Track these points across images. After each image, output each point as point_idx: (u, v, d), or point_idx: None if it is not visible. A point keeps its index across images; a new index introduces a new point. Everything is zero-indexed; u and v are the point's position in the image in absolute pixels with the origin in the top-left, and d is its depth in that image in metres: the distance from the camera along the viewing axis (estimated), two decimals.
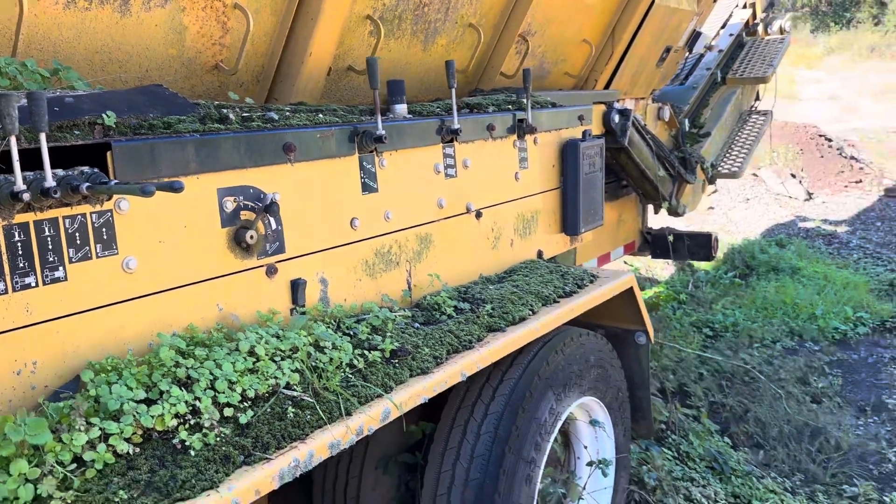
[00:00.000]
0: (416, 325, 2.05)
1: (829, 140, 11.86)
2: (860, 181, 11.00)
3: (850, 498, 3.92)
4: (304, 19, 2.29)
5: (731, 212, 9.94)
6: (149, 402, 1.38)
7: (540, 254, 2.95)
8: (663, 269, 7.77)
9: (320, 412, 1.57)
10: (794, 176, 10.81)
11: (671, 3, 4.18)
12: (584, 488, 2.70)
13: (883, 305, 6.58)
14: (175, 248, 1.58)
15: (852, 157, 11.62)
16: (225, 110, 1.79)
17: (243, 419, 1.46)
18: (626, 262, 7.79)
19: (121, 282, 1.49)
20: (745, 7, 6.36)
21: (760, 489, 3.81)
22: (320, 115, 1.96)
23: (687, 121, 5.27)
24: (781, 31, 6.52)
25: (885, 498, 3.90)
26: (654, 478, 3.17)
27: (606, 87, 4.21)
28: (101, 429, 1.28)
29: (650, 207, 5.23)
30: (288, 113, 1.93)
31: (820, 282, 6.94)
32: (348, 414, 1.61)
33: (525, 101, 2.72)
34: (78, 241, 1.41)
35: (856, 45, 26.04)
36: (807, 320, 6.18)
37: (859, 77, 22.96)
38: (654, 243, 5.17)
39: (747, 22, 6.27)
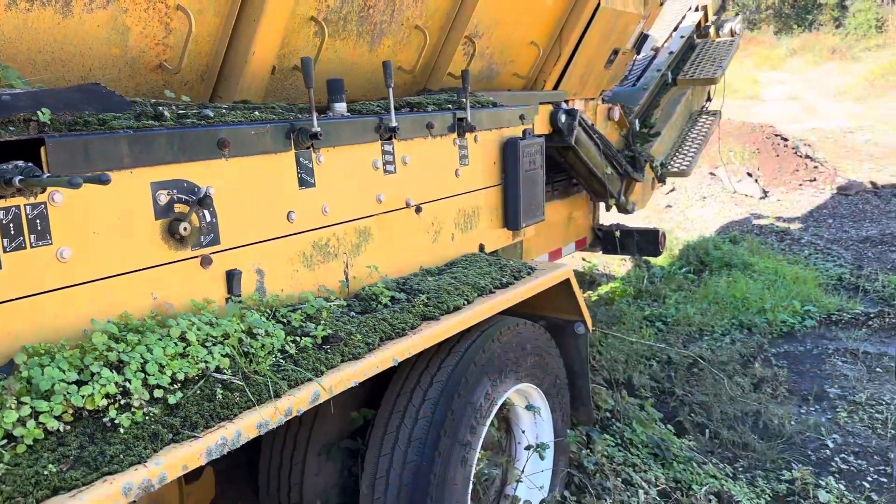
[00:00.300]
0: (352, 313, 2.15)
1: (785, 139, 12.19)
2: (814, 179, 11.33)
3: (787, 482, 4.09)
4: (247, 20, 2.37)
5: (688, 210, 10.19)
6: (80, 384, 1.46)
7: (482, 247, 3.06)
8: (621, 265, 7.96)
9: (249, 394, 1.66)
10: (750, 175, 11.10)
11: (617, 6, 4.32)
12: (522, 471, 2.82)
13: (830, 299, 6.81)
14: (109, 238, 1.66)
15: (807, 156, 11.96)
16: (161, 108, 1.87)
17: (172, 400, 1.55)
18: (584, 259, 7.96)
19: (55, 271, 1.57)
20: (696, 10, 6.54)
21: (701, 474, 3.96)
22: (256, 113, 2.05)
23: (637, 121, 5.43)
24: (732, 33, 6.72)
25: (820, 482, 4.08)
26: (593, 462, 3.30)
27: (555, 87, 4.33)
28: (31, 407, 1.36)
29: (602, 205, 5.38)
30: (224, 110, 2.01)
31: (771, 277, 7.16)
32: (277, 396, 1.70)
33: (465, 100, 2.83)
34: (12, 232, 1.49)
35: (817, 46, 26.67)
36: (756, 314, 6.38)
37: (820, 78, 23.56)
38: (605, 239, 5.33)
39: (699, 24, 6.45)
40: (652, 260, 7.75)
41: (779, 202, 10.72)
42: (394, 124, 2.41)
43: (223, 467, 2.76)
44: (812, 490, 3.98)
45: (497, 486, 2.90)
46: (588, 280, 7.60)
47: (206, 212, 1.85)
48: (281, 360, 1.80)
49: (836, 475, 4.18)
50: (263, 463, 2.65)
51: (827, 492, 3.98)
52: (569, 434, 3.04)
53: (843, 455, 4.40)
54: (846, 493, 3.96)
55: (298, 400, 1.73)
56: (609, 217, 5.75)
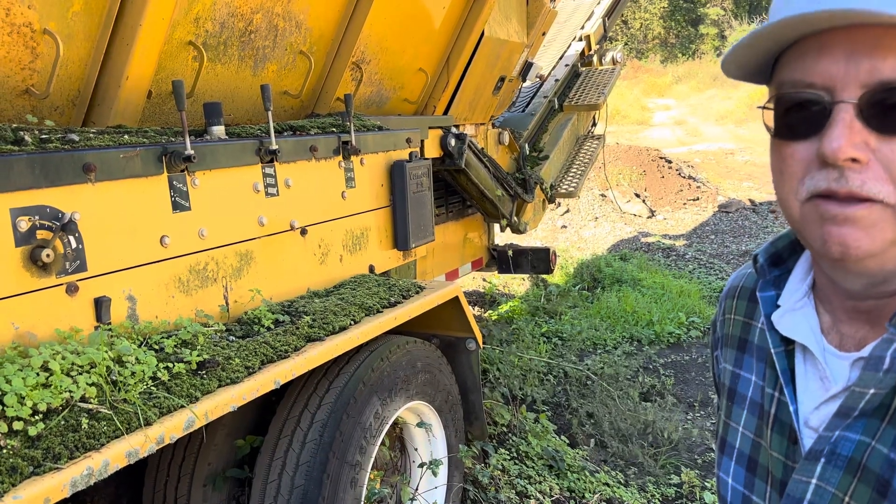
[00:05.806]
0: (231, 338, 2.13)
1: (669, 161, 12.90)
2: (697, 199, 12.02)
3: (675, 486, 4.29)
4: (120, 45, 2.33)
5: (581, 230, 10.59)
6: None
7: (372, 269, 3.09)
8: (519, 285, 8.16)
9: (117, 423, 1.61)
10: (638, 195, 11.67)
11: (501, 35, 4.49)
12: (416, 489, 2.84)
13: (713, 311, 7.21)
14: None
15: (690, 177, 12.69)
16: (22, 132, 1.81)
17: (33, 431, 1.49)
18: (485, 280, 8.12)
19: None
20: (580, 40, 6.88)
21: (594, 483, 4.09)
22: (126, 137, 2.02)
23: (527, 145, 5.63)
24: (614, 61, 7.10)
25: (706, 484, 4.30)
26: (488, 476, 3.36)
27: (446, 112, 4.44)
28: None
29: (497, 226, 5.53)
30: (92, 135, 1.97)
31: (658, 291, 7.52)
32: (148, 424, 1.66)
33: (349, 124, 2.87)
34: None
35: (700, 74, 28.42)
36: (645, 326, 6.69)
37: (704, 103, 25.10)
38: (500, 259, 5.47)
39: (582, 53, 6.78)
40: (548, 278, 7.99)
41: (665, 220, 11.31)
42: (274, 147, 2.42)
43: None
44: (698, 492, 4.19)
45: None
46: (489, 300, 7.75)
47: (71, 238, 1.80)
48: (153, 388, 1.76)
49: None
50: (147, 498, 2.55)
51: (712, 493, 4.19)
52: (460, 449, 3.09)
53: None
54: None
55: (171, 427, 1.70)
56: (505, 239, 5.91)
